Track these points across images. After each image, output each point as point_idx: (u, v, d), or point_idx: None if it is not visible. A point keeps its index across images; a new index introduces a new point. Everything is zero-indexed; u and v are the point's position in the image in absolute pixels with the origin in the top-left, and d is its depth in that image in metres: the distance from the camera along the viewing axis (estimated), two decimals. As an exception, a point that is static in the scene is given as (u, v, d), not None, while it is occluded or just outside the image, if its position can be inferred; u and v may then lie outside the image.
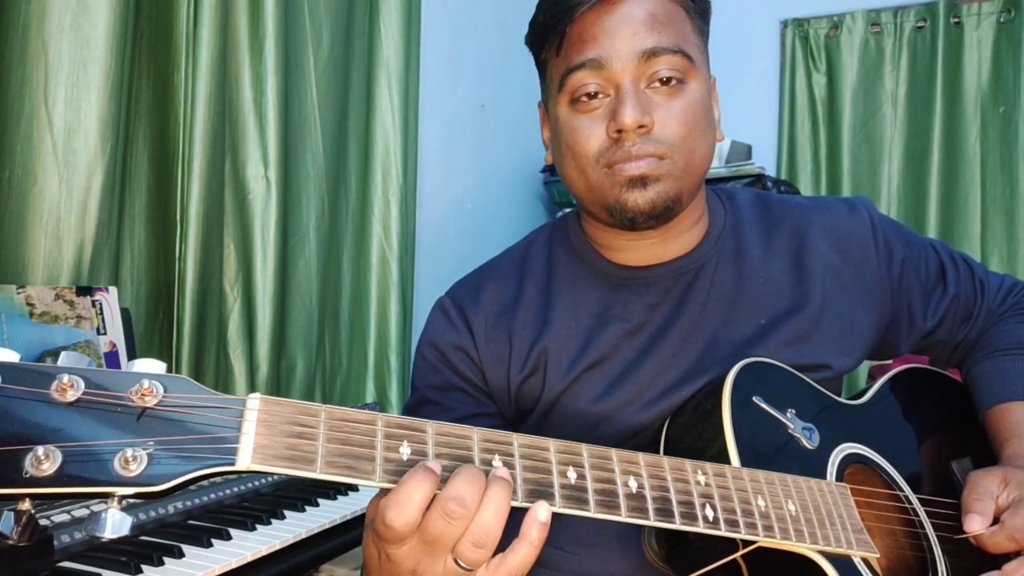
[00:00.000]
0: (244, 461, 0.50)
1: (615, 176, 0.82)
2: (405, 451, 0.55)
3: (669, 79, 0.81)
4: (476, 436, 0.58)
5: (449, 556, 0.55)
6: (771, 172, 3.00)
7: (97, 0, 1.32)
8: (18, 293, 1.18)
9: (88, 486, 0.46)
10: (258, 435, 0.51)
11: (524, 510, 0.57)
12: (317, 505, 1.28)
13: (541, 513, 0.56)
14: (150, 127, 1.51)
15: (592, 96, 0.82)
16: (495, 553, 0.56)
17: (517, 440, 0.59)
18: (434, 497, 0.54)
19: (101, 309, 1.30)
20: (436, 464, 0.55)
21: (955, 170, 2.81)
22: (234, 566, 1.01)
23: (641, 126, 0.79)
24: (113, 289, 1.32)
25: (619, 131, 0.80)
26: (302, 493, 1.31)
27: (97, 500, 0.89)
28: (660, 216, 0.83)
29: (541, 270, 0.96)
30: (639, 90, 0.81)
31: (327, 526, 1.21)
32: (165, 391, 0.49)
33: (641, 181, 0.81)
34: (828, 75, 3.02)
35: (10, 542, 0.45)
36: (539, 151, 2.86)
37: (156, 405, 0.49)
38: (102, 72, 1.33)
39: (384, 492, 0.55)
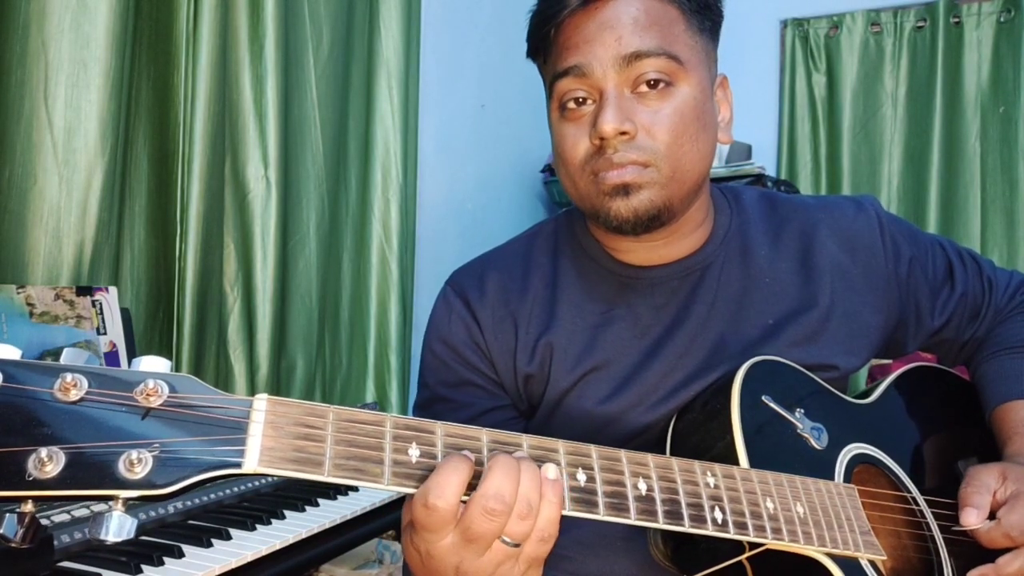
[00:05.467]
0: (251, 464, 0.49)
1: (599, 184, 0.80)
2: (414, 453, 0.54)
3: (656, 82, 0.79)
4: (486, 437, 0.58)
5: (490, 548, 0.56)
6: (771, 172, 2.99)
7: (97, 0, 1.31)
8: (18, 293, 1.17)
9: (92, 488, 0.45)
10: (265, 437, 0.50)
11: None
12: (317, 505, 1.27)
13: (550, 472, 0.57)
14: (150, 127, 1.50)
15: (581, 103, 0.81)
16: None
17: (527, 441, 0.59)
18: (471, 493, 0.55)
19: (101, 309, 1.29)
20: (469, 454, 0.56)
21: (955, 170, 2.80)
22: (234, 566, 1.00)
23: (623, 132, 0.77)
24: (113, 289, 1.32)
25: (601, 139, 0.78)
26: (302, 493, 1.31)
27: (99, 501, 0.89)
28: (647, 224, 0.81)
29: (547, 263, 0.94)
30: (622, 96, 0.78)
31: (327, 526, 1.20)
32: (171, 391, 0.48)
33: (624, 189, 0.79)
34: (828, 75, 3.01)
35: (13, 544, 0.44)
36: (539, 151, 2.86)
37: (161, 405, 0.48)
38: (102, 72, 1.33)
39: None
